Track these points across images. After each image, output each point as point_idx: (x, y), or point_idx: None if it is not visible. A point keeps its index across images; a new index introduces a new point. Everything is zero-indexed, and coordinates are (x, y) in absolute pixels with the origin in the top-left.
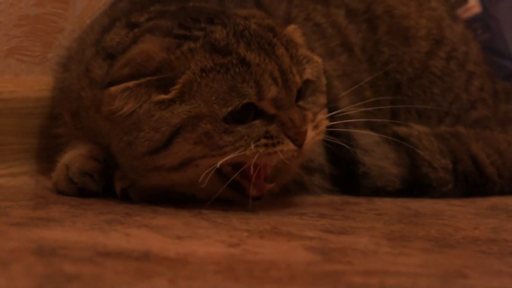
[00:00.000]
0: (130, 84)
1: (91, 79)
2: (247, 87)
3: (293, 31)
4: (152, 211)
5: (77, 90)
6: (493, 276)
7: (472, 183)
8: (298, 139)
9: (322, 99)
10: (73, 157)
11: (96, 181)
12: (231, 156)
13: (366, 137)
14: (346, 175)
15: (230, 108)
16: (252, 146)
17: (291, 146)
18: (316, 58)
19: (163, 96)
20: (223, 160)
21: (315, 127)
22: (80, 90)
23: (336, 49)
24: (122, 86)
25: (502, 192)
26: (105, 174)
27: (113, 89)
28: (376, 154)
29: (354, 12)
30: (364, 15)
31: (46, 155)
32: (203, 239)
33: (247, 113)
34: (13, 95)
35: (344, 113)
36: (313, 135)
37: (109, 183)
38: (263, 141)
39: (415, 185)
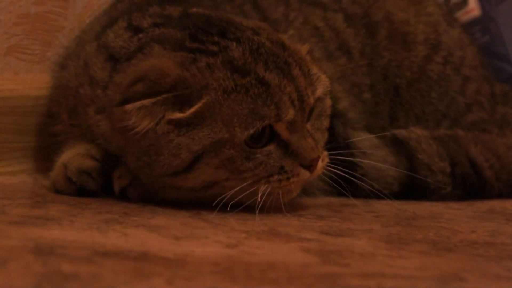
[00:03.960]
0: (146, 102)
1: (91, 77)
2: (267, 110)
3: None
4: (150, 211)
5: (75, 87)
6: (490, 279)
7: (470, 186)
8: (312, 165)
9: (326, 123)
10: (71, 156)
11: (95, 180)
12: (245, 192)
13: (364, 140)
14: (344, 177)
15: (252, 131)
16: (263, 183)
17: (306, 175)
18: (324, 76)
19: (178, 114)
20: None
21: (322, 160)
22: (78, 86)
23: (335, 52)
24: (138, 104)
25: (500, 196)
26: (103, 173)
27: (129, 106)
28: (374, 157)
29: (352, 17)
30: (362, 20)
31: (44, 154)
32: (201, 240)
33: (263, 133)
34: (12, 93)
35: (344, 116)
36: (321, 165)
37: (108, 182)
38: (276, 177)
39: (413, 187)
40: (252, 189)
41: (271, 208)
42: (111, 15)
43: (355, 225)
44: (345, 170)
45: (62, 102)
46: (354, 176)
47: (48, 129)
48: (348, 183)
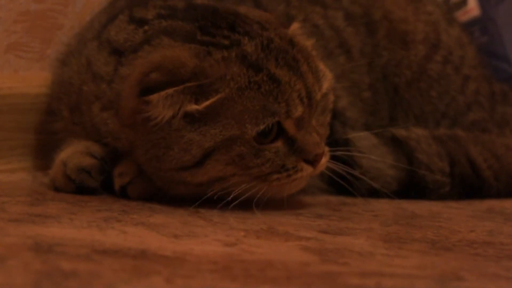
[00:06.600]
0: (171, 91)
1: (94, 73)
2: (278, 107)
3: (297, 30)
4: (149, 209)
5: (78, 85)
6: (489, 279)
7: (469, 186)
8: (316, 160)
9: (328, 118)
10: (71, 153)
11: (94, 178)
12: (248, 193)
13: (363, 139)
14: (343, 176)
15: (261, 127)
16: (261, 181)
17: (309, 170)
18: (328, 72)
19: (194, 106)
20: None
21: (325, 155)
22: (81, 84)
23: (334, 50)
24: (164, 93)
25: (499, 195)
26: (102, 171)
27: (154, 96)
28: (373, 156)
29: (352, 16)
30: (362, 19)
31: (44, 152)
32: (200, 238)
33: (272, 129)
34: (12, 91)
35: (343, 115)
36: (324, 161)
37: (107, 180)
38: (275, 176)
39: (412, 187)
40: (255, 188)
41: (268, 203)
42: (110, 13)
43: (354, 224)
44: (344, 169)
45: (64, 99)
46: (353, 175)
47: (48, 126)
48: (347, 182)
